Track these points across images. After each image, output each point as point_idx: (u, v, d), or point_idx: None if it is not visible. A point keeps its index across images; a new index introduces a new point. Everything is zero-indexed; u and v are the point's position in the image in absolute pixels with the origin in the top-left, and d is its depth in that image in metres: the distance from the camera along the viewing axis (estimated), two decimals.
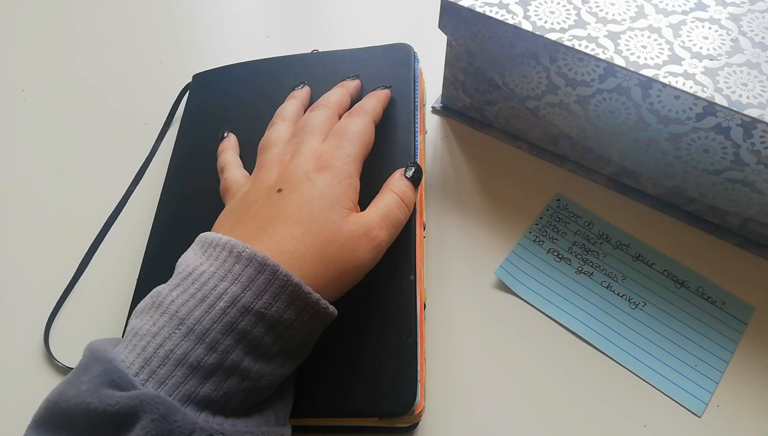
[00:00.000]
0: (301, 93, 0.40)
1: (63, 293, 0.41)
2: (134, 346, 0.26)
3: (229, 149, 0.40)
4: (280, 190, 0.31)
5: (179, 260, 0.29)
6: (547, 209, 0.42)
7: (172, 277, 0.28)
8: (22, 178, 0.47)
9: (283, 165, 0.33)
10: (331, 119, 0.36)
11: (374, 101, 0.37)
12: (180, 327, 0.26)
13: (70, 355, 0.38)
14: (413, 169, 0.35)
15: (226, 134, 0.41)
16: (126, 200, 0.45)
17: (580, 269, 0.40)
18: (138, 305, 0.28)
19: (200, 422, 0.24)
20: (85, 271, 0.42)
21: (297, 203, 0.30)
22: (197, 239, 0.30)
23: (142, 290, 0.37)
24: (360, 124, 0.34)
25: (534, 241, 0.41)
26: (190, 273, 0.27)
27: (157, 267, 0.38)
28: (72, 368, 0.38)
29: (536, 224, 0.42)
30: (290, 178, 0.31)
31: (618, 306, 0.38)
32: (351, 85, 0.39)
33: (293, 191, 0.31)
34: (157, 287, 0.28)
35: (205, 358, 0.25)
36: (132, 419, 0.23)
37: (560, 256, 0.40)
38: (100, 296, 0.41)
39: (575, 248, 0.41)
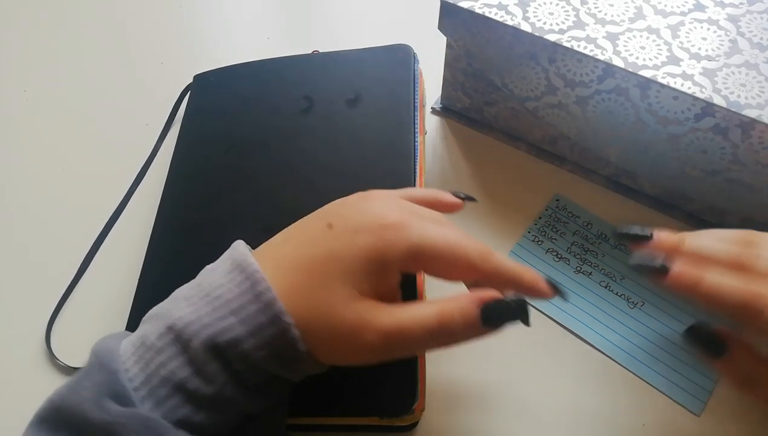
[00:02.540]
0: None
1: (65, 292, 0.41)
2: (139, 357, 0.26)
3: None
4: (330, 227, 0.28)
5: (209, 266, 0.28)
6: (546, 209, 0.42)
7: (194, 282, 0.28)
8: (23, 178, 0.47)
9: (354, 202, 0.29)
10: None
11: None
12: (184, 353, 0.26)
13: (72, 354, 0.39)
14: (500, 303, 0.26)
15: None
16: (127, 200, 0.45)
17: (578, 268, 0.40)
18: (156, 307, 0.28)
19: None
20: (87, 270, 0.42)
21: (324, 253, 0.27)
22: (234, 245, 0.28)
23: (143, 289, 0.38)
24: (450, 235, 0.28)
25: (533, 241, 0.41)
26: (207, 293, 0.27)
27: (158, 266, 0.38)
28: (73, 367, 0.38)
29: (535, 224, 0.42)
30: (346, 221, 0.28)
31: (617, 306, 0.38)
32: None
33: (334, 239, 0.27)
34: (178, 291, 0.28)
35: (203, 389, 0.25)
36: (123, 434, 0.23)
37: (559, 256, 0.40)
38: (102, 296, 0.41)
39: (574, 248, 0.41)
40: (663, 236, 0.30)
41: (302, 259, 0.27)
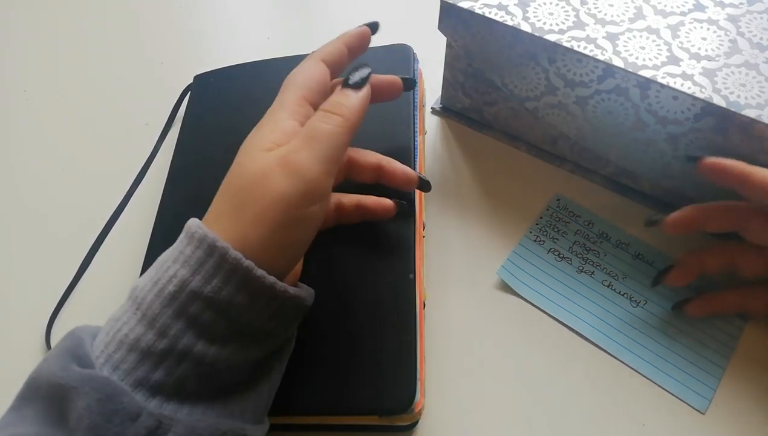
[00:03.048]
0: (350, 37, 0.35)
1: (65, 291, 0.41)
2: (105, 331, 0.27)
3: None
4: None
5: None
6: (547, 209, 0.42)
7: None
8: (24, 178, 0.47)
9: None
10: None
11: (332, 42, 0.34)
12: (136, 312, 0.26)
13: None
14: (354, 73, 0.31)
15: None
16: (128, 200, 0.45)
17: (581, 268, 0.40)
18: None
19: (150, 408, 0.24)
20: (87, 270, 0.42)
21: (227, 178, 0.29)
22: None
23: None
24: (300, 68, 0.32)
25: (535, 241, 0.41)
26: (160, 259, 0.28)
27: None
28: None
29: (536, 224, 0.42)
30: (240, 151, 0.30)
31: (619, 304, 0.38)
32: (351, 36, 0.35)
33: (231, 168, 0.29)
34: None
35: (156, 343, 0.25)
36: (76, 394, 0.24)
37: (561, 255, 0.40)
38: (102, 295, 0.41)
39: (576, 248, 0.41)
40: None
41: (222, 190, 0.29)
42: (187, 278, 0.26)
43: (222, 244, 0.26)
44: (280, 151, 0.28)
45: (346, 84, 0.30)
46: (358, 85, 0.30)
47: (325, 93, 0.31)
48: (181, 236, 0.28)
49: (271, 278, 0.26)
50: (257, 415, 0.28)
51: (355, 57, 0.34)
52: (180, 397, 0.25)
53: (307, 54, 0.45)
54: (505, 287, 0.39)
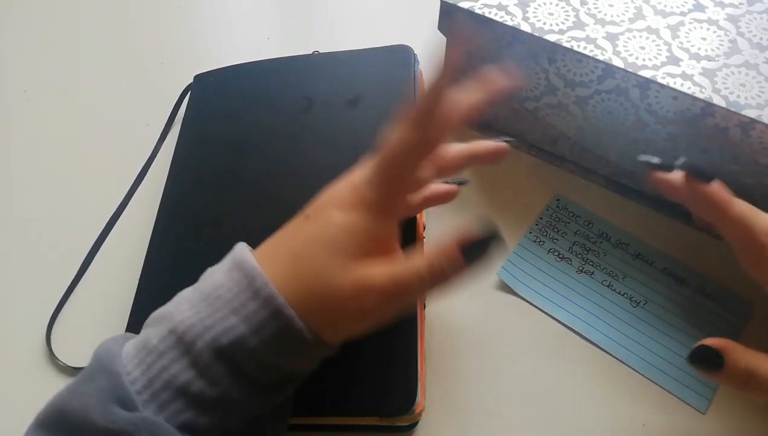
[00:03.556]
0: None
1: (65, 292, 0.41)
2: (141, 360, 0.26)
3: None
4: (307, 218, 0.29)
5: (211, 268, 0.28)
6: (547, 209, 0.42)
7: (197, 284, 0.28)
8: (24, 179, 0.47)
9: (324, 191, 0.30)
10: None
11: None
12: (186, 355, 0.26)
13: (72, 354, 0.39)
14: (477, 243, 0.26)
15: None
16: (128, 201, 0.45)
17: (581, 268, 0.40)
18: (159, 310, 0.28)
19: None
20: (87, 270, 0.42)
21: (305, 239, 0.28)
22: (236, 246, 0.28)
23: (143, 289, 0.38)
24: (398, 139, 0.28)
25: (535, 241, 0.41)
26: (209, 294, 0.27)
27: (158, 267, 0.38)
28: (73, 367, 0.38)
29: (536, 225, 0.42)
30: (318, 206, 0.29)
31: (619, 305, 0.38)
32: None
33: (311, 224, 0.28)
34: (180, 293, 0.28)
35: (206, 391, 0.25)
36: None
37: (561, 256, 0.41)
38: (102, 296, 0.41)
39: (575, 248, 0.41)
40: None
41: (289, 250, 0.28)
42: (246, 337, 0.25)
43: (289, 312, 0.26)
44: (367, 280, 0.26)
45: (464, 252, 0.26)
46: (472, 263, 0.27)
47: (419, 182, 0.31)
48: (238, 277, 0.26)
49: (328, 347, 0.27)
50: (280, 434, 0.30)
51: (473, 163, 0.33)
52: None
53: (308, 54, 0.45)
54: (505, 287, 0.39)
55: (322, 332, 0.27)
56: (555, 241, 0.41)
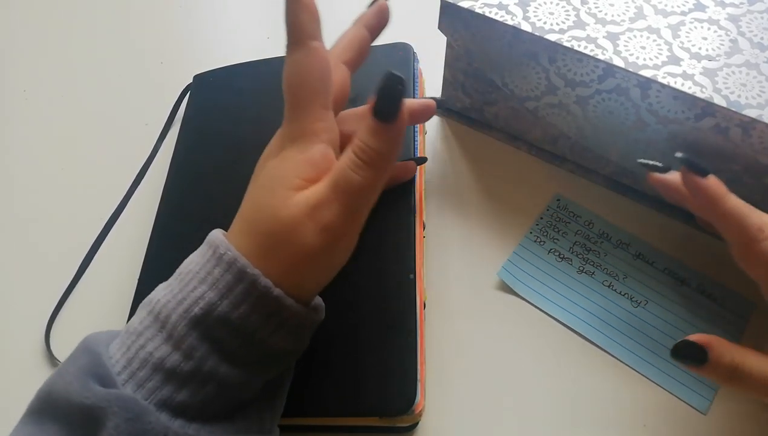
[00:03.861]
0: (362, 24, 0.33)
1: (64, 292, 0.41)
2: (122, 343, 0.26)
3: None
4: (250, 183, 0.29)
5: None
6: (547, 210, 0.42)
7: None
8: (23, 179, 0.47)
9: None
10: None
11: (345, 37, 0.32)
12: (161, 331, 0.26)
13: None
14: (382, 91, 0.26)
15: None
16: (127, 201, 0.45)
17: (581, 268, 0.40)
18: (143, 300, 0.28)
19: (175, 428, 0.24)
20: (87, 271, 0.42)
21: (250, 194, 0.29)
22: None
23: (142, 290, 0.38)
24: (289, 67, 0.29)
25: (535, 241, 0.41)
26: (180, 272, 0.27)
27: (158, 267, 0.38)
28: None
29: (537, 225, 0.42)
30: (255, 171, 0.30)
31: (620, 305, 0.38)
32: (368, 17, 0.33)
33: (254, 183, 0.29)
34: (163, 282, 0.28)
35: (182, 365, 0.25)
36: (105, 415, 0.23)
37: (561, 256, 0.40)
38: (101, 296, 0.41)
39: (576, 248, 0.41)
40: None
41: (244, 216, 0.28)
42: (215, 302, 0.26)
43: (252, 271, 0.26)
44: (310, 199, 0.26)
45: (376, 113, 0.26)
46: (390, 117, 0.25)
47: (345, 93, 0.30)
48: (205, 250, 0.27)
49: (300, 306, 0.27)
50: (272, 426, 0.29)
51: (376, 36, 0.33)
52: (203, 417, 0.26)
53: None
54: (505, 287, 0.39)
55: (293, 285, 0.26)
56: (555, 241, 0.41)
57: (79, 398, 0.24)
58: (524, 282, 0.39)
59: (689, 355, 0.30)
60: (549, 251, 0.41)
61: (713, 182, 0.30)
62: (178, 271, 0.28)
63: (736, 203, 0.30)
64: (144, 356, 0.25)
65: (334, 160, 0.28)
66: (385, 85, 0.25)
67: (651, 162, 0.33)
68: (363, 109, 0.33)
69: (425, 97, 0.34)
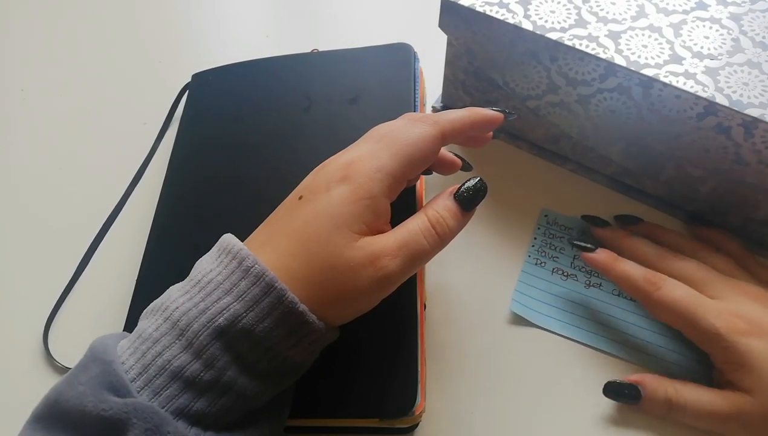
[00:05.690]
0: None
1: (62, 293, 0.41)
2: (135, 349, 0.26)
3: None
4: (300, 198, 0.29)
5: (198, 261, 0.29)
6: (539, 228, 0.42)
7: (187, 278, 0.28)
8: (20, 178, 0.47)
9: (314, 171, 0.30)
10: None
11: (458, 115, 0.32)
12: (179, 339, 0.26)
13: (69, 355, 0.38)
14: (468, 186, 0.30)
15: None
16: (125, 200, 0.45)
17: (588, 282, 0.39)
18: (151, 303, 0.28)
19: None
20: (84, 271, 0.42)
21: (306, 217, 0.28)
22: (219, 239, 0.29)
23: (141, 290, 0.37)
24: (415, 135, 0.29)
25: (536, 264, 0.40)
26: (199, 280, 0.27)
27: (156, 267, 0.38)
28: (70, 368, 0.38)
29: (533, 246, 0.41)
30: (312, 187, 0.29)
31: (631, 310, 0.38)
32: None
33: (309, 203, 0.28)
34: (172, 287, 0.28)
35: (201, 374, 0.25)
36: (124, 426, 0.23)
37: (566, 274, 0.40)
38: (100, 297, 0.41)
39: (577, 262, 0.40)
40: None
41: (286, 231, 0.28)
42: (240, 314, 0.25)
43: (281, 286, 0.26)
44: (376, 247, 0.27)
45: (459, 201, 0.30)
46: (469, 208, 0.30)
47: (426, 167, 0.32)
48: (227, 260, 0.27)
49: (321, 324, 0.27)
50: (281, 427, 0.29)
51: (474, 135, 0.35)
52: (217, 426, 0.26)
53: (307, 52, 0.45)
54: (505, 287, 0.39)
55: (326, 309, 0.27)
56: (555, 259, 0.40)
57: (96, 411, 0.24)
58: (537, 310, 0.38)
59: (622, 394, 0.34)
60: (552, 272, 0.40)
61: (601, 255, 0.36)
62: (194, 278, 0.27)
63: (623, 267, 0.35)
64: (161, 364, 0.25)
65: (389, 223, 0.29)
66: (477, 187, 0.30)
67: (582, 243, 0.37)
68: None
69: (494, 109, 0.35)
